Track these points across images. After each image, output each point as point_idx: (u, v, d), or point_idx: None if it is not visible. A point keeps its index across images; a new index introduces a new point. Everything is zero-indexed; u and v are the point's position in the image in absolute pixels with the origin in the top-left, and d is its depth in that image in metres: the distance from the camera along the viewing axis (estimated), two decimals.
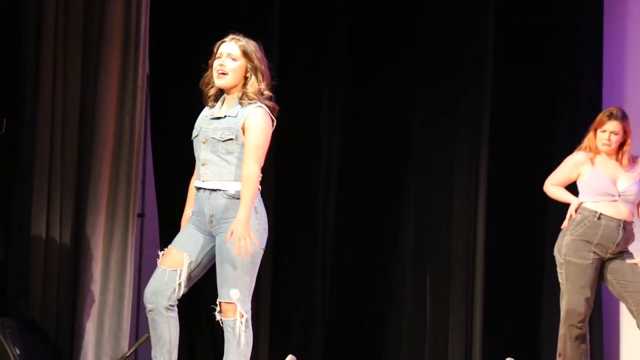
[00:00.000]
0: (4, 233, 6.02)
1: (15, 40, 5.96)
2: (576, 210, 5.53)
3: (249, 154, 4.28)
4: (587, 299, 5.45)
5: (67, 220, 6.03)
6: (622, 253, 5.57)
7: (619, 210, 5.52)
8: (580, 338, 5.50)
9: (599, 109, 6.05)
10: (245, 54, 4.35)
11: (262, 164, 4.31)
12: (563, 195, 5.64)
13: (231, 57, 4.35)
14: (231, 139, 4.32)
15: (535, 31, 6.51)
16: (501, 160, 6.52)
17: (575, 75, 6.50)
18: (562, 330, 5.51)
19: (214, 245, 4.37)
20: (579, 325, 5.47)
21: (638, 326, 5.51)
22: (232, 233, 4.21)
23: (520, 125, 6.53)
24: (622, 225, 5.52)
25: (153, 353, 4.42)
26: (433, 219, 6.56)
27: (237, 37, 4.40)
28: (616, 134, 5.51)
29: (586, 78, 6.48)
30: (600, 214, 5.49)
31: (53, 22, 5.94)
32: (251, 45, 4.38)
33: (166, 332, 4.35)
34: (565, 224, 5.55)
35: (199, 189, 4.38)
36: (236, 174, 4.31)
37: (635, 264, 5.52)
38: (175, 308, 4.37)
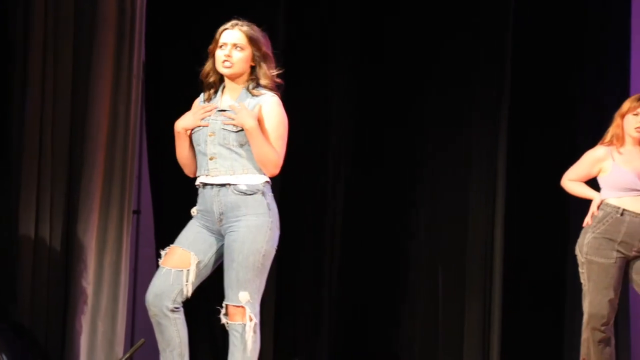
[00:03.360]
0: None
1: (1, 25, 5.89)
2: (598, 207, 5.44)
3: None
4: (610, 301, 5.35)
5: (58, 218, 5.96)
6: None
7: None
8: (604, 342, 5.40)
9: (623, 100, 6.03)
10: (251, 41, 4.23)
11: (283, 155, 4.24)
12: (583, 191, 5.56)
13: (237, 46, 4.22)
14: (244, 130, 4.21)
15: (559, 25, 6.55)
16: (520, 154, 6.51)
17: (600, 71, 6.53)
18: (584, 334, 5.43)
19: (223, 244, 4.28)
20: (602, 328, 5.38)
21: None
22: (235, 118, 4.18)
23: (540, 117, 6.52)
24: None
25: None
26: (447, 216, 6.57)
27: (241, 23, 4.26)
28: None
29: (611, 76, 6.48)
30: (624, 209, 5.38)
31: (42, 4, 5.85)
32: (256, 31, 4.25)
33: (175, 335, 4.27)
34: (587, 221, 5.45)
35: (205, 185, 4.28)
36: (247, 167, 4.23)
37: None
38: (181, 309, 4.29)
